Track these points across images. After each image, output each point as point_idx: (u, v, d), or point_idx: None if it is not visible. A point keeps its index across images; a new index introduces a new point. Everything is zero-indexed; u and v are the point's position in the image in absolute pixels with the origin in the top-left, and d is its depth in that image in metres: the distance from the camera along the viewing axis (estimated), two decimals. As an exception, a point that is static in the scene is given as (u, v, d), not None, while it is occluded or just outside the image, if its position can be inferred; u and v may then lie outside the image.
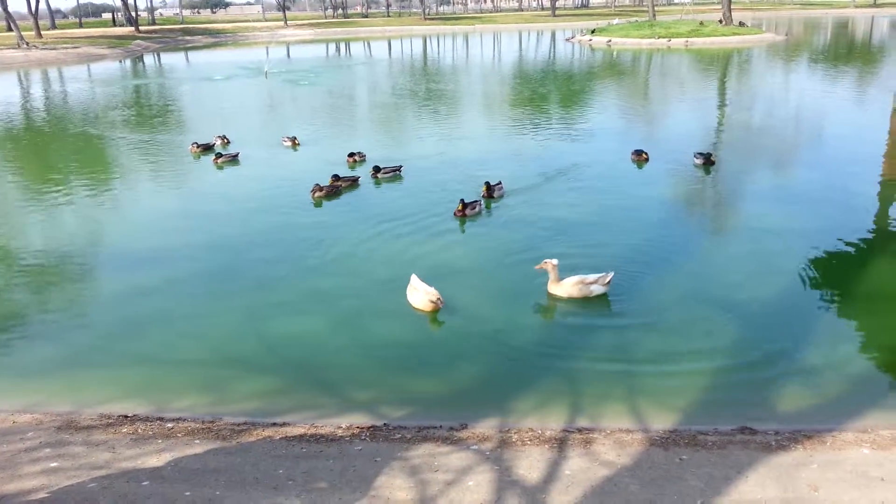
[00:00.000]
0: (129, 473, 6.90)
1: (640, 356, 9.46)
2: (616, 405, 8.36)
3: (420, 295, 10.83)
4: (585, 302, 11.01)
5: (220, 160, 21.88)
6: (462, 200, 15.28)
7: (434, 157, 21.92)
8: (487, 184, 16.52)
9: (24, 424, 8.13)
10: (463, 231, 14.72)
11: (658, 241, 13.69)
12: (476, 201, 15.63)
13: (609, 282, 11.06)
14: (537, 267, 11.37)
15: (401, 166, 19.56)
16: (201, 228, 15.56)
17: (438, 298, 10.69)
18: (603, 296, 11.16)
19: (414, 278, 11.21)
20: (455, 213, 15.31)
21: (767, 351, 9.55)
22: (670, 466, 6.80)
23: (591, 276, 11.09)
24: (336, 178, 18.11)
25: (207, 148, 23.68)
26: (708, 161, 19.09)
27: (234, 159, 22.16)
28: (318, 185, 17.49)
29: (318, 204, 17.00)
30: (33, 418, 8.31)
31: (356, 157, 21.09)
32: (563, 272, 11.29)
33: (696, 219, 15.76)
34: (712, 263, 12.71)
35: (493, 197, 16.42)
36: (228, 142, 24.49)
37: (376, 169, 19.09)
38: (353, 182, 18.49)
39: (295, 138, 24.12)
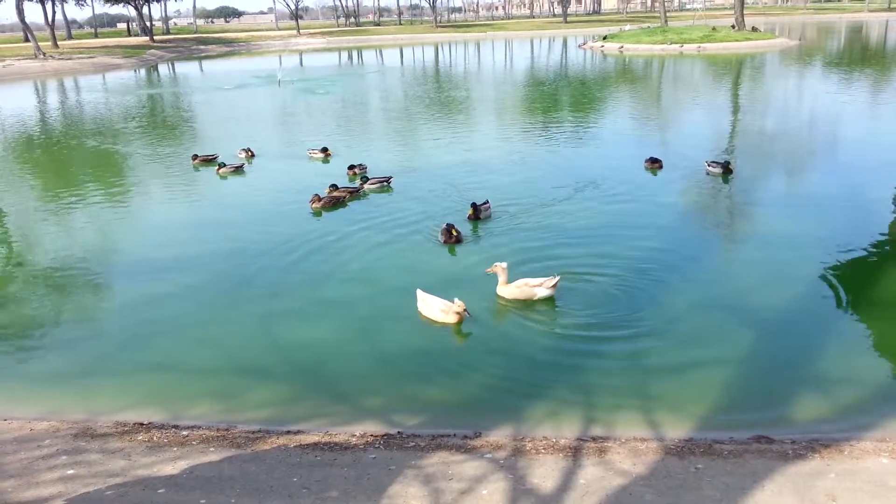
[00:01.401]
0: (145, 481, 6.93)
1: (655, 364, 9.41)
2: (630, 413, 8.31)
3: (439, 306, 10.71)
4: (601, 311, 11.00)
5: (221, 170, 21.91)
6: (448, 227, 14.34)
7: (444, 165, 21.96)
8: (474, 205, 15.57)
9: (41, 432, 8.19)
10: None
11: (671, 248, 13.63)
12: (450, 225, 14.42)
13: (555, 285, 11.18)
14: (488, 270, 11.64)
15: (390, 177, 19.28)
16: (211, 238, 15.63)
17: (464, 309, 10.57)
18: (617, 302, 11.15)
19: (421, 293, 11.10)
20: (444, 241, 14.20)
21: (783, 358, 9.48)
22: (686, 475, 6.76)
23: (536, 280, 11.27)
24: (334, 187, 18.10)
25: (207, 160, 23.46)
26: (727, 170, 18.80)
27: (238, 170, 22.11)
28: (316, 195, 17.39)
29: (317, 214, 16.96)
30: (50, 426, 8.37)
31: (356, 170, 20.70)
32: (579, 279, 11.28)
33: (709, 226, 15.65)
34: (726, 270, 12.65)
35: (479, 218, 15.49)
36: (253, 155, 24.03)
37: (364, 179, 19.11)
38: (354, 192, 18.31)
39: (326, 149, 23.63)
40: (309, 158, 23.53)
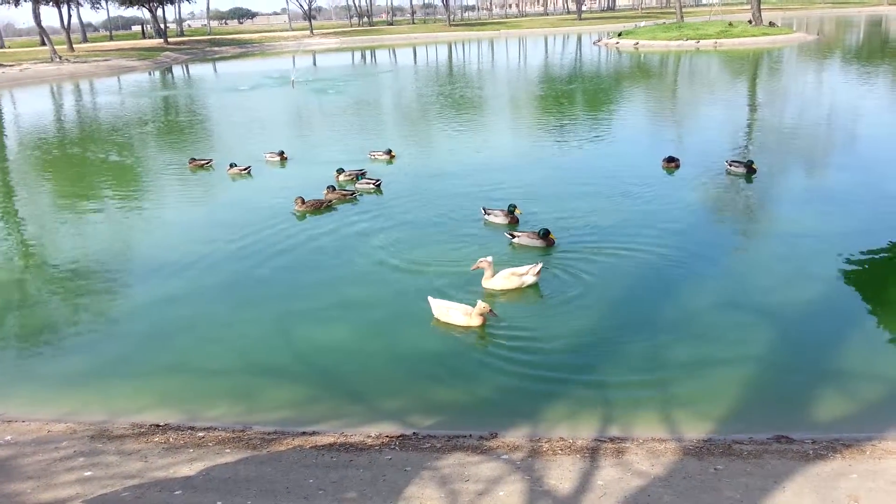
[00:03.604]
0: (162, 483, 6.95)
1: (673, 363, 9.32)
2: (648, 414, 8.24)
3: (461, 310, 10.53)
4: (621, 304, 10.92)
5: (231, 171, 21.92)
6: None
7: (458, 165, 21.97)
8: (511, 211, 15.27)
9: (58, 434, 8.23)
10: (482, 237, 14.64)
11: (689, 247, 13.49)
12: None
13: (538, 272, 11.76)
14: (473, 267, 11.94)
15: (379, 181, 18.99)
16: (224, 238, 15.57)
17: (490, 310, 10.39)
18: (635, 302, 11.12)
19: (436, 300, 10.89)
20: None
21: (803, 357, 9.37)
22: (705, 476, 6.68)
23: (521, 269, 11.77)
24: (331, 189, 18.08)
25: (201, 165, 23.33)
26: (750, 169, 18.43)
27: (247, 171, 22.00)
28: (300, 198, 17.28)
29: (301, 217, 16.85)
30: (67, 427, 8.41)
31: (346, 175, 19.98)
32: (595, 278, 11.19)
33: (728, 224, 15.47)
34: (745, 268, 12.50)
35: (517, 223, 15.21)
36: (286, 158, 23.68)
37: (358, 178, 19.01)
38: (350, 196, 18.11)
39: (391, 151, 23.01)
40: (371, 160, 22.80)
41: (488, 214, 15.50)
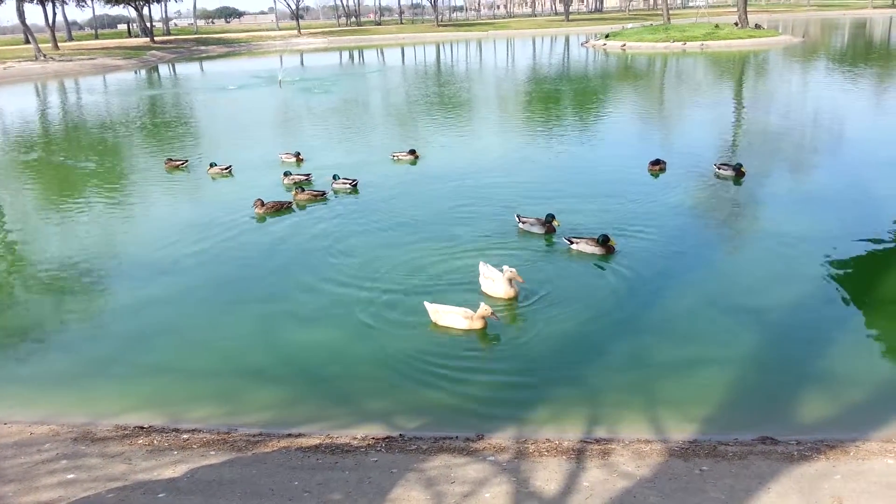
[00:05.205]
0: (146, 485, 6.89)
1: (659, 365, 9.35)
2: (634, 415, 8.26)
3: (461, 314, 10.40)
4: (601, 309, 10.95)
5: (211, 171, 21.84)
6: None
7: (443, 167, 21.95)
8: (549, 221, 14.55)
9: (40, 436, 8.15)
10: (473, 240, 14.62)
11: (677, 249, 13.54)
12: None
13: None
14: (516, 280, 11.30)
15: (356, 181, 18.91)
16: (207, 239, 15.49)
17: (492, 313, 10.27)
18: (622, 304, 11.18)
19: (433, 305, 10.73)
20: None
21: (789, 359, 9.42)
22: (690, 478, 6.70)
23: (506, 271, 11.30)
24: (300, 189, 18.09)
25: (176, 165, 23.15)
26: (739, 173, 18.41)
27: (228, 171, 21.88)
28: (259, 200, 17.19)
29: (261, 219, 16.74)
30: (50, 429, 8.33)
31: (290, 179, 19.92)
32: (580, 280, 11.18)
33: (714, 226, 15.49)
34: (731, 270, 12.57)
35: (554, 232, 14.53)
36: (302, 159, 23.11)
37: (335, 178, 19.14)
38: (321, 196, 18.11)
39: (414, 151, 22.80)
40: (395, 161, 22.56)
41: (523, 223, 14.77)
